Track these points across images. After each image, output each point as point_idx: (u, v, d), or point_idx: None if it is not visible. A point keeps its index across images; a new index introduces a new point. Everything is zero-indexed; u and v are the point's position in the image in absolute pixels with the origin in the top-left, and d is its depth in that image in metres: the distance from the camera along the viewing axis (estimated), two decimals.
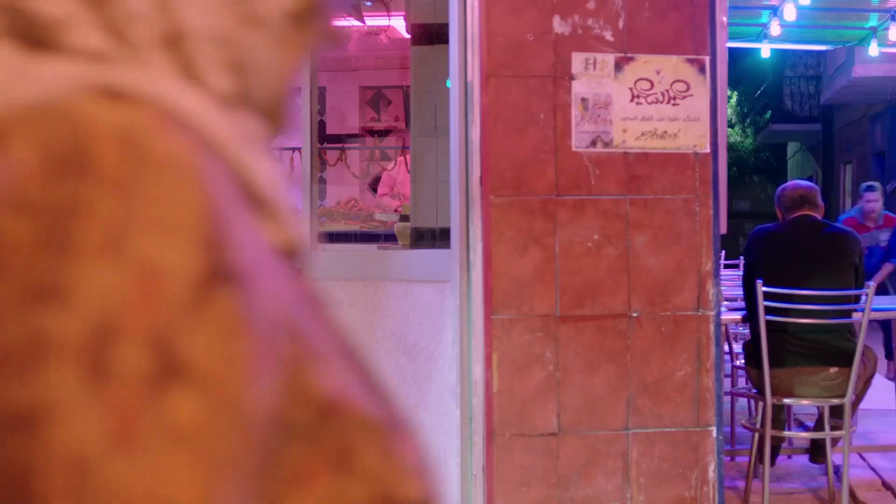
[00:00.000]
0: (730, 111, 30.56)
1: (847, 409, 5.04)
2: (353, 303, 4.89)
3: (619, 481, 4.29)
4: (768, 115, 26.57)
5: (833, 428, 5.18)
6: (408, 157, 8.39)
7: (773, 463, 5.61)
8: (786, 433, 5.23)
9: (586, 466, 4.26)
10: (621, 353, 4.26)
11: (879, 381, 8.67)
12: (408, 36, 5.90)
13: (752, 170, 32.31)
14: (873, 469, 5.90)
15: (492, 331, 4.18)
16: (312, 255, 5.17)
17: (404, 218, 6.01)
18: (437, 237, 5.32)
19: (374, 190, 9.22)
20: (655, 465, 4.31)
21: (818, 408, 5.32)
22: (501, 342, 4.19)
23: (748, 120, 30.77)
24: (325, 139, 10.73)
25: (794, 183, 5.59)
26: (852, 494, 5.35)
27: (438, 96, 5.37)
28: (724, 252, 9.67)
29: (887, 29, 9.46)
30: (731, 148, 30.39)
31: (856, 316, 5.03)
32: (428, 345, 4.49)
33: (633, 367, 4.27)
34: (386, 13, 6.34)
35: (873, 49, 10.08)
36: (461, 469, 4.28)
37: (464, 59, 4.28)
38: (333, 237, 7.64)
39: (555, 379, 4.22)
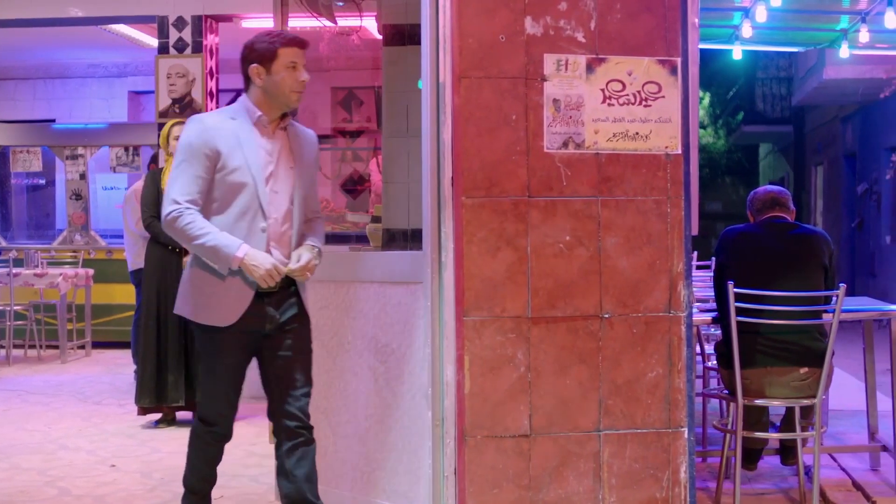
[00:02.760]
0: (702, 113, 30.69)
1: (818, 410, 5.06)
2: (324, 304, 4.87)
3: (590, 482, 4.29)
4: (740, 116, 26.69)
5: (803, 428, 5.19)
6: (380, 158, 8.36)
7: (754, 466, 5.62)
8: (757, 434, 5.23)
9: (558, 468, 4.26)
10: (593, 354, 4.26)
11: (850, 382, 8.71)
12: (380, 37, 5.88)
13: (725, 171, 32.46)
14: (844, 469, 5.93)
15: (463, 332, 4.17)
16: None
17: (376, 219, 5.98)
18: (408, 238, 5.31)
19: (347, 191, 9.18)
20: (627, 466, 4.32)
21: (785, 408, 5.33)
22: (473, 343, 4.18)
23: (720, 121, 30.91)
24: None
25: (766, 187, 5.61)
26: (823, 495, 5.37)
27: (410, 97, 5.36)
28: (695, 253, 9.69)
29: (858, 31, 9.51)
30: (703, 149, 30.56)
31: (826, 317, 5.05)
32: (400, 346, 4.48)
33: (605, 369, 4.27)
34: (358, 14, 6.32)
35: (844, 51, 10.13)
36: (433, 470, 4.27)
37: (435, 60, 4.27)
38: None
39: (526, 380, 4.21)
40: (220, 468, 5.90)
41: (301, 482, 4.20)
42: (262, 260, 4.04)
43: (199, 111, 8.50)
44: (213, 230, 4.03)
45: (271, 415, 4.29)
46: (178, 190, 4.05)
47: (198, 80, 8.53)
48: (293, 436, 4.22)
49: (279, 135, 4.21)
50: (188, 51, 8.56)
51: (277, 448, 4.27)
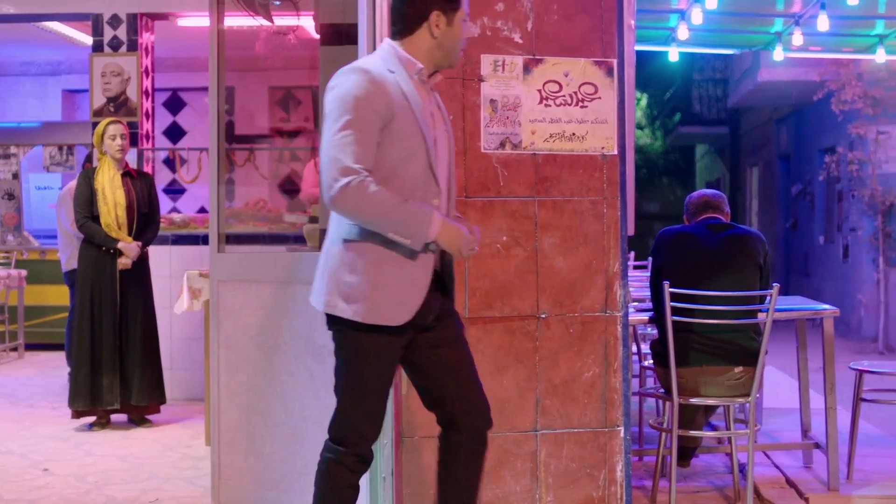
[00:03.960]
0: (639, 114, 30.94)
1: (752, 408, 5.11)
2: (260, 305, 4.83)
3: (527, 482, 4.30)
4: (677, 117, 26.92)
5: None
6: (317, 158, 8.31)
7: (688, 462, 5.67)
8: (692, 433, 5.28)
9: (495, 468, 4.26)
10: (529, 354, 4.27)
11: (782, 380, 8.82)
12: (317, 36, 5.85)
13: (662, 172, 32.73)
14: (777, 467, 5.99)
15: None
16: (220, 257, 5.10)
17: (313, 219, 5.95)
18: None
19: (284, 191, 9.15)
20: (564, 465, 4.33)
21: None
22: None
23: (657, 122, 31.16)
24: (234, 140, 10.64)
25: (701, 191, 5.67)
26: (757, 492, 5.42)
27: None
28: (633, 253, 9.77)
29: (791, 34, 9.62)
30: (640, 150, 30.80)
31: (760, 316, 5.10)
32: None
33: (542, 369, 4.28)
34: (295, 13, 6.30)
35: (778, 54, 10.25)
36: (370, 472, 4.25)
37: None
38: (242, 239, 7.57)
39: None
40: (155, 470, 5.86)
41: (465, 484, 3.64)
42: (457, 228, 3.43)
43: (133, 110, 8.41)
44: (400, 198, 3.35)
45: (446, 411, 3.63)
46: (352, 155, 3.27)
47: (133, 79, 8.43)
48: (475, 437, 3.64)
49: (431, 94, 3.58)
50: (123, 49, 8.47)
51: (445, 440, 3.66)
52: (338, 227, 3.45)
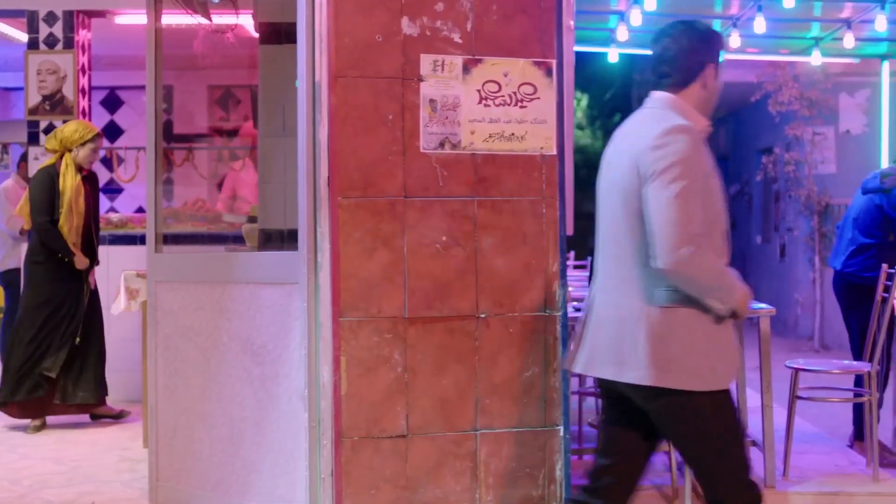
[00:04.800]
0: (580, 114, 31.06)
1: None
2: (198, 306, 4.80)
3: (468, 482, 4.31)
4: (617, 118, 27.08)
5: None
6: (246, 160, 8.28)
7: None
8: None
9: (435, 468, 4.26)
10: (469, 354, 4.28)
11: None
12: (256, 35, 5.82)
13: None
14: None
15: (340, 333, 4.15)
16: (157, 257, 5.06)
17: (252, 219, 5.92)
18: (285, 239, 5.27)
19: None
20: (504, 464, 4.34)
21: None
22: (349, 344, 4.16)
23: (598, 123, 31.32)
24: (172, 139, 10.55)
25: None
26: (695, 490, 5.47)
27: (287, 96, 5.32)
28: (573, 253, 9.82)
29: (729, 36, 9.72)
30: (580, 150, 30.90)
31: None
32: (275, 347, 4.44)
33: (481, 368, 4.29)
34: (234, 11, 6.26)
35: None
36: (310, 472, 4.24)
37: (312, 60, 4.24)
38: (180, 239, 7.51)
39: (403, 381, 4.21)
40: (91, 473, 5.79)
41: None
42: (746, 290, 3.35)
43: (70, 108, 8.30)
44: (722, 264, 3.29)
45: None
46: (693, 222, 3.16)
47: (69, 77, 8.33)
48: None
49: None
50: (59, 46, 8.36)
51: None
52: (639, 292, 3.29)
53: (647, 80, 3.45)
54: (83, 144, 6.91)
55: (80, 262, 6.83)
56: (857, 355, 6.85)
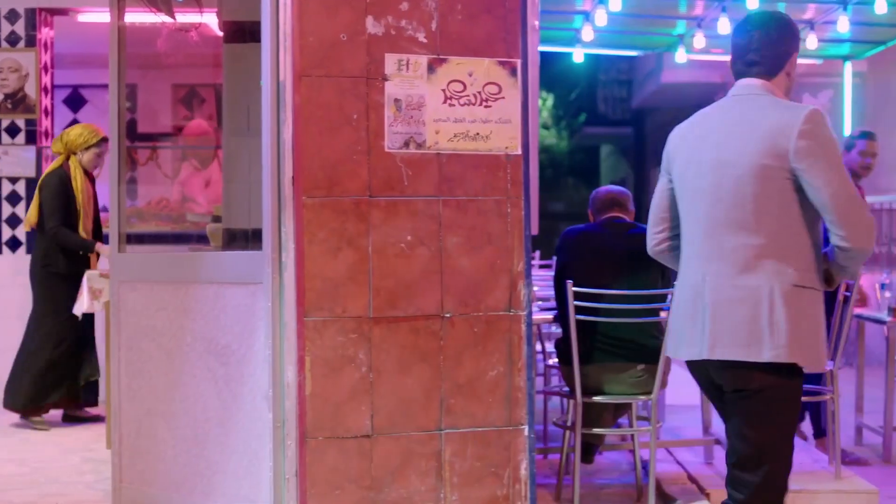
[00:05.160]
0: (545, 114, 31.14)
1: (654, 405, 5.18)
2: (162, 306, 4.77)
3: (432, 481, 4.30)
4: (582, 118, 27.21)
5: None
6: (220, 156, 8.23)
7: (591, 459, 5.72)
8: (596, 430, 5.33)
9: (400, 468, 4.26)
10: (434, 353, 4.27)
11: (685, 377, 8.94)
12: (220, 33, 5.78)
13: (567, 172, 32.99)
14: (679, 463, 6.08)
15: (304, 333, 4.14)
16: (121, 257, 5.03)
17: (216, 219, 5.89)
18: (249, 238, 5.24)
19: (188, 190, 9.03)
20: (469, 464, 4.34)
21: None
22: (314, 344, 4.15)
23: (563, 123, 31.42)
24: (136, 138, 10.47)
25: (607, 187, 5.72)
26: (659, 488, 5.50)
27: (251, 95, 5.28)
28: (538, 252, 9.83)
29: (694, 36, 9.79)
30: (545, 150, 31.00)
31: (663, 314, 5.17)
32: (240, 348, 4.42)
33: (446, 368, 4.29)
34: (198, 9, 6.21)
35: (681, 55, 10.41)
36: (274, 472, 4.23)
37: (276, 59, 4.23)
38: (144, 238, 7.47)
39: (368, 380, 4.20)
40: (54, 474, 5.75)
41: None
42: None
43: (32, 107, 8.25)
44: None
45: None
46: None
47: (32, 75, 8.27)
48: None
49: None
50: (21, 44, 8.30)
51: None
52: (778, 270, 3.35)
53: (735, 69, 3.55)
54: (87, 149, 6.93)
55: (102, 248, 6.85)
56: None
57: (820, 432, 6.89)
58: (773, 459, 3.44)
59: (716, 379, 3.49)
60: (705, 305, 3.43)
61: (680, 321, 3.56)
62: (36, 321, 7.04)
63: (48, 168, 7.18)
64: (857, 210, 3.32)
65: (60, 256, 6.96)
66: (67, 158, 7.00)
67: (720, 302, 3.40)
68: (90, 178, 7.16)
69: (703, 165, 3.48)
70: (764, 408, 3.41)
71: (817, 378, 6.79)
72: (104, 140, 6.99)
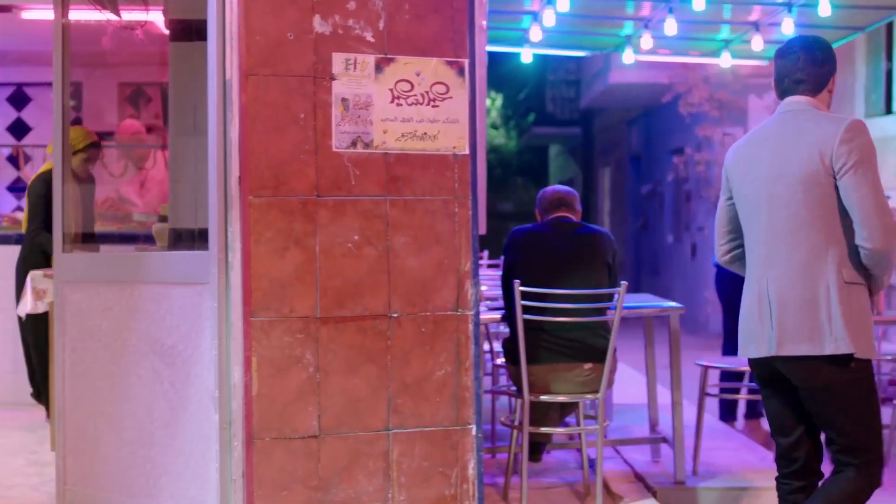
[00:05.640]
0: (494, 114, 31.24)
1: (601, 404, 5.21)
2: (108, 306, 4.73)
3: (380, 481, 4.30)
4: (531, 118, 27.29)
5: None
6: (167, 155, 8.16)
7: (539, 457, 5.74)
8: (543, 429, 5.35)
9: (347, 468, 4.25)
10: (381, 353, 4.27)
11: (632, 376, 9.00)
12: (166, 32, 5.74)
13: (516, 171, 33.11)
14: (626, 461, 6.12)
15: (251, 333, 4.12)
16: (65, 257, 4.98)
17: (163, 219, 5.84)
18: (196, 238, 5.20)
19: (134, 189, 8.94)
20: (416, 464, 4.34)
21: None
22: (261, 344, 4.13)
23: (512, 122, 31.51)
24: None
25: (555, 187, 5.74)
26: (606, 486, 5.53)
27: (198, 94, 5.24)
28: (486, 252, 9.85)
29: (641, 37, 9.84)
30: (494, 150, 31.08)
31: (609, 313, 5.20)
32: (186, 348, 4.39)
33: (394, 368, 4.29)
34: (143, 7, 6.16)
35: (628, 56, 10.46)
36: (220, 474, 4.21)
37: (222, 57, 4.20)
38: (88, 238, 7.38)
39: (315, 381, 4.19)
40: None
41: None
42: None
43: None
44: None
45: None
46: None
47: None
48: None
49: None
50: None
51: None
52: (830, 270, 3.70)
53: (783, 87, 3.94)
54: (74, 153, 6.84)
55: None
56: (731, 347, 7.33)
57: (753, 415, 7.21)
58: (855, 437, 3.79)
59: (786, 374, 3.80)
60: (771, 307, 3.78)
61: (747, 322, 3.89)
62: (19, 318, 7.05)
63: (38, 171, 7.13)
64: (880, 214, 3.66)
65: (40, 258, 6.91)
66: None
67: (783, 302, 3.75)
68: (86, 181, 7.07)
69: (759, 179, 3.85)
70: (838, 398, 3.77)
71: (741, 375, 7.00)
72: (92, 145, 6.91)
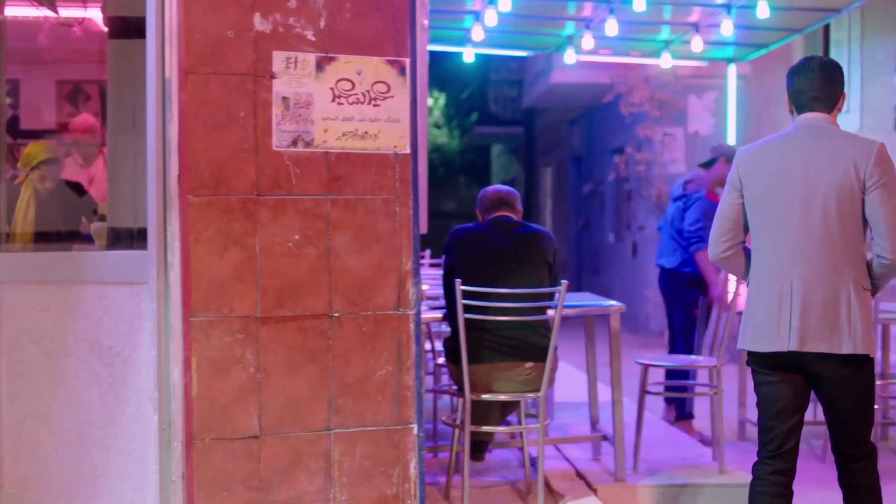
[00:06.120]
0: (437, 113, 31.25)
1: (542, 403, 5.23)
2: (44, 307, 4.67)
3: (321, 482, 4.29)
4: (474, 117, 27.32)
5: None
6: (105, 155, 8.10)
7: (482, 456, 5.76)
8: (484, 428, 5.36)
9: (288, 468, 4.23)
10: (323, 353, 4.26)
11: (573, 374, 9.05)
12: (105, 29, 5.69)
13: (459, 170, 33.15)
14: (567, 459, 6.15)
15: (190, 333, 4.09)
16: (1, 257, 4.92)
17: (102, 218, 5.78)
18: (135, 238, 5.15)
19: (72, 188, 8.85)
20: (358, 463, 4.33)
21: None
22: (201, 345, 4.10)
23: (454, 122, 31.54)
24: (19, 135, 10.23)
25: (495, 187, 5.76)
26: (548, 484, 5.55)
27: (137, 92, 5.20)
28: (429, 251, 9.86)
29: (582, 37, 9.89)
30: (437, 149, 31.09)
31: (550, 312, 5.22)
32: (124, 349, 4.35)
33: (335, 367, 4.28)
34: (81, 4, 6.10)
35: (569, 56, 10.51)
36: (160, 475, 4.17)
37: (161, 55, 4.17)
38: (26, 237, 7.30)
39: (256, 381, 4.17)
40: None
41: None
42: None
43: None
44: None
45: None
46: None
47: None
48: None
49: None
50: None
51: None
52: (850, 275, 4.03)
53: (800, 103, 4.21)
54: (32, 170, 6.76)
55: None
56: (675, 346, 7.52)
57: (683, 416, 7.30)
58: (864, 431, 4.15)
59: (809, 368, 4.07)
60: (794, 305, 4.04)
61: (763, 318, 4.11)
62: None
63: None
64: None
65: None
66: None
67: (808, 302, 4.02)
68: (51, 194, 6.99)
69: (792, 187, 4.09)
70: (850, 392, 4.11)
71: (684, 374, 7.09)
72: (45, 162, 6.83)
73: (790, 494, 4.14)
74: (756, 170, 4.19)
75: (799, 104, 4.22)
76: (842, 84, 4.24)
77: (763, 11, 8.65)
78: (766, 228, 4.15)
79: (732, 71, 11.42)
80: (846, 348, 3.99)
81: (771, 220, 4.14)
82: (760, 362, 4.17)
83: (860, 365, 4.05)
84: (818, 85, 4.18)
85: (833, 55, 11.22)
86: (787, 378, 4.12)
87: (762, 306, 4.12)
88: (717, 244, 4.29)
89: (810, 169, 4.07)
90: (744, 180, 4.20)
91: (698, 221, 7.33)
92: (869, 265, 4.09)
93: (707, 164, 7.62)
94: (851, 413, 4.11)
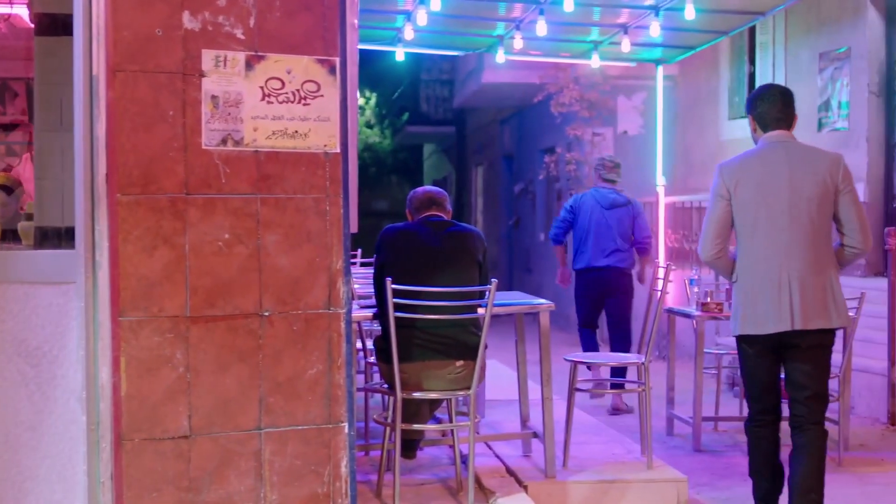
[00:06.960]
0: (368, 112, 31.21)
1: (472, 400, 5.26)
2: None
3: (252, 481, 4.28)
4: (405, 117, 27.33)
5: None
6: (32, 153, 8.01)
7: (413, 454, 5.77)
8: (416, 426, 5.38)
9: (219, 468, 4.22)
10: (253, 352, 4.25)
11: (504, 372, 9.10)
12: (32, 25, 5.62)
13: (391, 170, 33.13)
14: (498, 456, 6.19)
15: (119, 333, 4.06)
16: None
17: (29, 217, 5.72)
18: (62, 237, 5.11)
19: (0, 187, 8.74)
20: (288, 463, 4.33)
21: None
22: (130, 344, 4.08)
23: (386, 121, 31.52)
24: None
25: (425, 188, 5.80)
26: (478, 481, 5.59)
27: (64, 90, 5.15)
28: (360, 250, 9.86)
29: (513, 38, 9.95)
30: (369, 149, 31.05)
31: (480, 311, 5.25)
32: (52, 349, 4.31)
33: (265, 367, 4.27)
34: (8, 1, 6.03)
35: (500, 56, 10.58)
36: (88, 476, 4.14)
37: (89, 52, 4.14)
38: None
39: (185, 380, 4.15)
40: None
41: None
42: None
43: None
44: None
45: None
46: None
47: None
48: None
49: None
50: None
51: None
52: (830, 264, 5.00)
53: (765, 122, 5.10)
54: None
55: None
56: (619, 338, 8.45)
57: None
58: (825, 387, 5.06)
59: (798, 342, 4.94)
60: (793, 292, 4.89)
61: (763, 306, 4.94)
62: None
63: None
64: (867, 223, 5.03)
65: None
66: None
67: (805, 287, 4.91)
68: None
69: (781, 193, 4.95)
70: (822, 359, 5.03)
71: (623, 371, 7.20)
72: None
73: (778, 430, 5.09)
74: (743, 179, 4.98)
75: (764, 124, 5.09)
76: (794, 107, 5.11)
77: (690, 13, 8.77)
78: (760, 228, 4.96)
79: (661, 72, 11.56)
80: (835, 322, 4.95)
81: (763, 222, 4.94)
82: (759, 344, 4.99)
83: (833, 333, 5.01)
84: (780, 108, 5.08)
85: (758, 57, 11.39)
86: (771, 357, 5.01)
87: (760, 295, 4.95)
88: (709, 247, 5.04)
89: (793, 179, 4.93)
90: (731, 189, 4.99)
91: (647, 229, 8.93)
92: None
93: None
94: (822, 369, 5.01)
